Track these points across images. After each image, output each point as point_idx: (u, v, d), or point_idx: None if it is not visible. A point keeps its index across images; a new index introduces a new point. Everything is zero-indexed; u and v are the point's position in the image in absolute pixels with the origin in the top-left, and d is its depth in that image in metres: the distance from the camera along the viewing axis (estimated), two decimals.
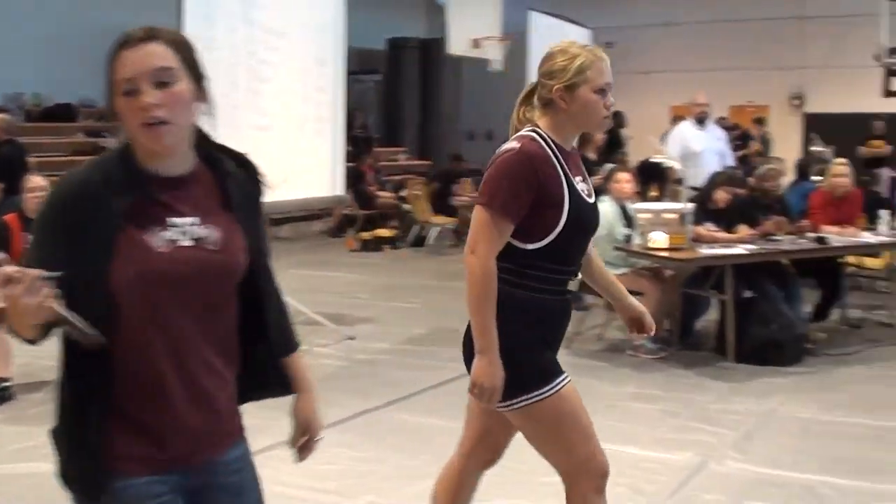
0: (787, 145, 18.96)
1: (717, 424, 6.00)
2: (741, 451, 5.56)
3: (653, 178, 12.01)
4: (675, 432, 5.87)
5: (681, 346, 7.83)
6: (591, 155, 10.16)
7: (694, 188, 9.25)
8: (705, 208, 8.08)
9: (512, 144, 3.14)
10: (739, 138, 15.52)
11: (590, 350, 7.91)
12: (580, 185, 3.17)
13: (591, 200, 3.23)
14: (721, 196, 8.10)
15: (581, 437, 3.24)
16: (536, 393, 3.12)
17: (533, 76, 10.21)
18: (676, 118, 13.68)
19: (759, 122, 17.59)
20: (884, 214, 8.62)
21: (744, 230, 7.91)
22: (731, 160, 10.54)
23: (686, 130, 10.45)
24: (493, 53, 15.02)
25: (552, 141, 3.16)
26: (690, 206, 8.11)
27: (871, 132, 17.00)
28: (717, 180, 8.32)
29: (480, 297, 3.05)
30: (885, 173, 16.41)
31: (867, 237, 8.42)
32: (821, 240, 7.93)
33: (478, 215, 3.09)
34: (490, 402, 3.10)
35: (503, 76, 15.26)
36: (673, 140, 10.46)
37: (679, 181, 9.50)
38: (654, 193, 12.34)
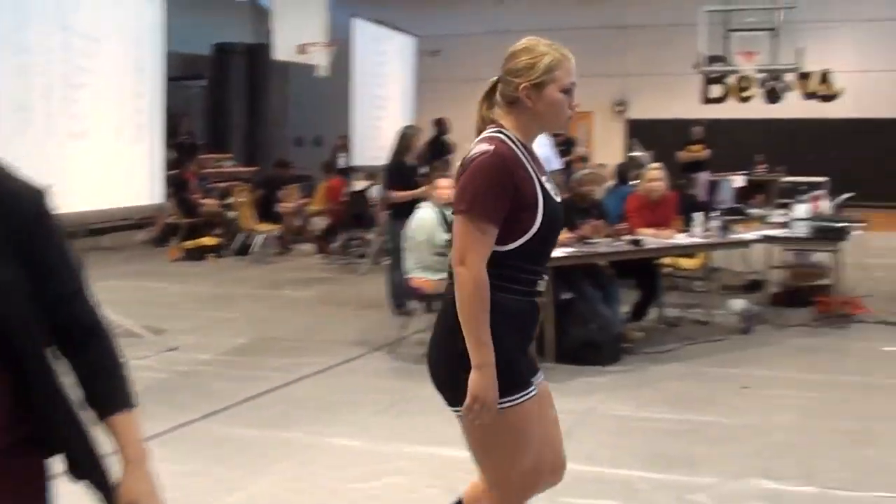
0: (609, 150, 19.47)
1: None
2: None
3: None
4: None
5: None
6: (414, 161, 10.14)
7: None
8: None
9: (484, 147, 3.03)
10: (564, 144, 15.78)
11: (413, 354, 7.92)
12: (548, 185, 3.11)
13: (559, 199, 3.17)
14: None
15: (520, 452, 3.17)
16: (510, 398, 3.04)
17: (357, 82, 10.10)
18: None
19: None
20: (697, 217, 8.87)
21: (563, 233, 8.01)
22: (557, 165, 10.66)
23: None
24: (319, 59, 14.97)
25: (518, 141, 3.09)
26: None
27: (691, 137, 17.55)
28: None
29: (476, 309, 2.96)
30: (703, 177, 16.97)
31: (681, 239, 8.67)
32: (636, 242, 8.12)
33: (461, 225, 2.99)
34: (487, 416, 3.00)
35: (330, 82, 15.22)
36: None
37: None
38: None
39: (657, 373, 7.43)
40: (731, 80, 18.43)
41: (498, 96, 3.19)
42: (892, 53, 22.75)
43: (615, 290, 8.11)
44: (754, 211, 11.70)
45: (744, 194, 17.15)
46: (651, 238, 8.35)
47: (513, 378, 3.06)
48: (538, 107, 3.10)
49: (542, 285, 3.17)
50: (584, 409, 6.41)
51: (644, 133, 19.47)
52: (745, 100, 18.77)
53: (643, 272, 8.64)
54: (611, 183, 11.23)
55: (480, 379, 2.96)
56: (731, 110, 19.33)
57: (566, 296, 7.66)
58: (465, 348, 2.98)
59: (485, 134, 3.12)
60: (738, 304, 9.07)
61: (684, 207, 9.30)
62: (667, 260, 9.33)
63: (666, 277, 9.50)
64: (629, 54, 22.45)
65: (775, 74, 17.88)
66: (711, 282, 9.92)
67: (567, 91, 3.12)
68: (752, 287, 10.47)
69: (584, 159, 14.92)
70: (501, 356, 3.01)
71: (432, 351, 3.20)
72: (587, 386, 7.01)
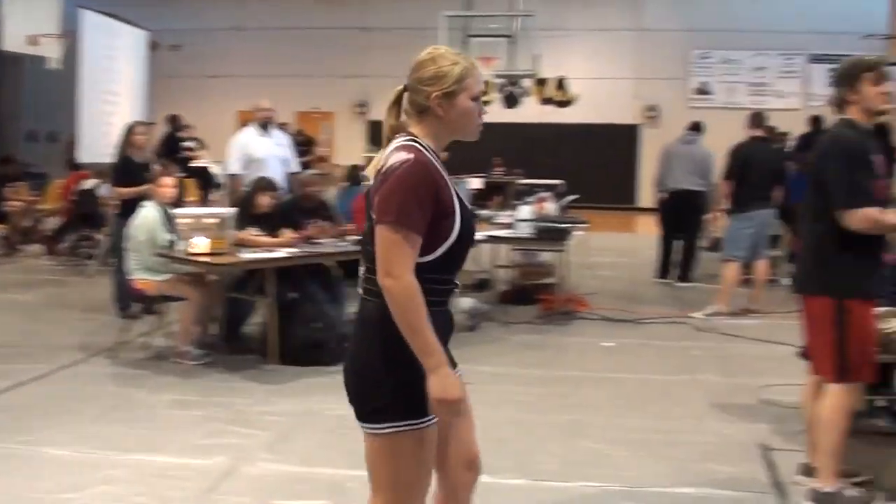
0: (351, 151, 19.53)
1: (254, 426, 6.02)
2: (274, 451, 5.59)
3: (209, 182, 11.91)
4: (210, 437, 5.82)
5: (227, 351, 7.82)
6: (145, 157, 9.87)
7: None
8: (249, 213, 8.08)
9: (404, 155, 2.97)
10: (303, 144, 15.72)
11: (134, 359, 7.74)
12: (460, 192, 3.07)
13: (470, 207, 3.12)
14: (264, 201, 8.12)
15: (417, 481, 3.14)
16: (409, 422, 3.02)
17: (86, 76, 9.72)
18: (245, 123, 13.68)
19: (282, 125, 17.97)
20: None
21: (288, 234, 7.99)
22: (295, 166, 10.56)
23: (248, 136, 10.24)
24: (51, 51, 14.39)
25: (430, 149, 3.06)
26: (232, 210, 8.11)
27: None
28: (259, 185, 8.33)
29: (416, 318, 2.90)
30: None
31: None
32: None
33: (386, 235, 2.91)
34: (458, 413, 3.00)
35: (65, 75, 14.68)
36: (235, 146, 10.29)
37: (218, 185, 9.45)
38: (214, 198, 12.26)
39: None
40: None
41: (407, 105, 3.16)
42: (623, 62, 23.84)
43: (342, 291, 8.13)
44: (484, 212, 11.98)
45: (481, 196, 17.51)
46: None
47: (423, 401, 3.02)
48: (450, 115, 3.09)
49: (455, 294, 3.17)
50: (302, 410, 6.42)
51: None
52: (485, 104, 19.15)
53: None
54: (344, 184, 11.26)
55: (438, 381, 2.93)
56: None
57: (291, 296, 7.64)
58: (389, 364, 2.99)
59: (398, 143, 3.08)
60: (466, 302, 9.23)
61: None
62: None
63: None
64: (371, 56, 22.62)
65: (513, 80, 18.29)
66: None
67: (477, 99, 3.13)
68: (481, 286, 10.72)
69: (322, 159, 14.88)
70: (417, 376, 2.98)
71: (354, 367, 3.13)
72: (308, 386, 7.00)
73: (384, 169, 3.02)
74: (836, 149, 4.78)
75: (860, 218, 4.56)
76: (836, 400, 4.80)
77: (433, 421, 3.07)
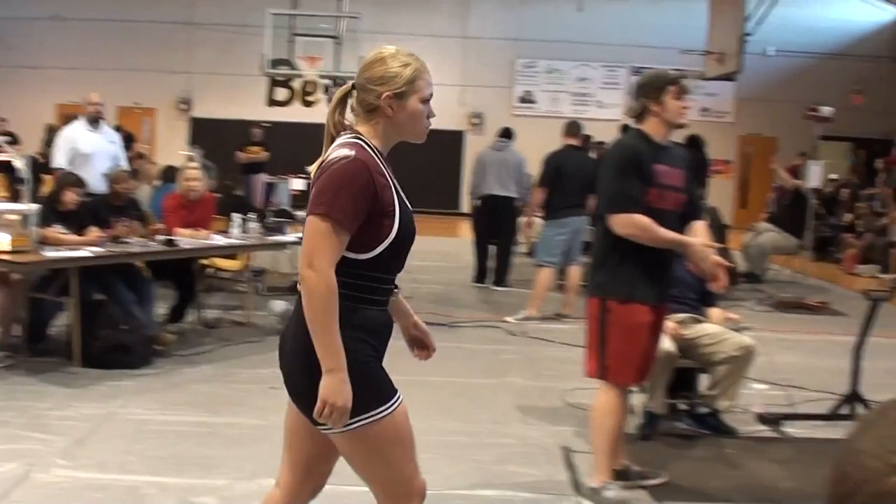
0: (173, 148, 19.20)
1: (50, 432, 5.84)
2: (70, 457, 5.44)
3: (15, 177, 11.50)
4: (4, 443, 5.60)
5: (29, 353, 7.56)
6: None
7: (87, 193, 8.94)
8: (54, 209, 7.86)
9: (344, 152, 2.96)
10: (123, 140, 15.38)
11: None
12: (402, 193, 3.03)
13: (410, 207, 3.09)
14: (70, 197, 7.91)
15: (408, 458, 3.11)
16: (374, 412, 2.99)
17: None
18: (69, 117, 13.25)
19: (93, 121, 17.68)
20: (236, 218, 8.90)
21: (94, 232, 7.81)
22: (123, 162, 10.32)
23: (76, 131, 9.95)
24: None
25: (375, 148, 3.06)
26: (35, 207, 7.88)
27: (251, 139, 17.73)
28: (65, 181, 8.12)
29: (325, 314, 2.88)
30: (261, 178, 17.20)
31: (218, 240, 8.66)
32: (170, 242, 8.03)
33: (315, 226, 2.90)
34: (339, 422, 2.91)
35: None
36: (62, 139, 9.98)
37: (22, 181, 9.15)
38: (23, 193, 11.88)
39: (188, 375, 7.38)
40: (297, 84, 18.70)
41: (355, 104, 3.14)
42: (449, 68, 24.09)
43: (149, 291, 7.99)
44: (301, 213, 11.96)
45: (303, 197, 17.47)
46: (187, 238, 8.28)
47: (380, 388, 3.05)
48: (399, 116, 3.09)
49: (395, 294, 3.19)
50: (103, 414, 6.25)
51: (209, 132, 19.40)
52: (310, 104, 19.11)
53: (181, 273, 8.57)
54: (157, 183, 11.08)
55: (333, 383, 2.88)
56: (297, 114, 19.64)
57: (97, 297, 7.47)
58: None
59: (342, 139, 3.07)
60: (279, 305, 9.16)
61: (233, 208, 9.32)
62: (208, 261, 9.30)
63: (209, 279, 9.49)
64: (195, 52, 22.31)
65: (338, 81, 18.27)
66: (254, 283, 9.98)
67: (426, 101, 3.12)
68: (296, 288, 10.66)
69: (141, 156, 14.57)
70: (368, 369, 2.98)
71: (293, 369, 3.08)
72: (111, 390, 6.83)
73: (324, 163, 3.04)
74: (610, 156, 5.07)
75: (620, 222, 4.78)
76: (604, 399, 5.01)
77: (394, 407, 3.06)
